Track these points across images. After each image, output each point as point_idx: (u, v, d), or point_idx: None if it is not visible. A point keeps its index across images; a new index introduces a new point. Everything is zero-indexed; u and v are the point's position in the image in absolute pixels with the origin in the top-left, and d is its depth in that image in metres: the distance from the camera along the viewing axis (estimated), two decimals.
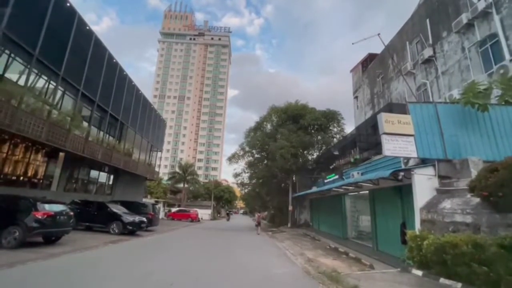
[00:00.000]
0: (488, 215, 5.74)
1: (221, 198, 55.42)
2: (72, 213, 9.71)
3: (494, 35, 11.30)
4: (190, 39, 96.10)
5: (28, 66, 11.38)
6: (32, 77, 11.78)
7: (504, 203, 5.44)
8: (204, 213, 39.89)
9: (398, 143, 7.96)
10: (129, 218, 13.54)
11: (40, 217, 8.18)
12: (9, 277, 5.37)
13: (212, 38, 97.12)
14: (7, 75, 10.86)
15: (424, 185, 7.67)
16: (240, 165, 29.81)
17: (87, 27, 15.15)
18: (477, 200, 6.19)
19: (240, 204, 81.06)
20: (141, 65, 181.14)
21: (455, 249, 5.27)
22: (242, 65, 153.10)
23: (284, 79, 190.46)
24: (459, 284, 5.19)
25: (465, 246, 5.13)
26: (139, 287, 5.25)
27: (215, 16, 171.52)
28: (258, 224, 22.40)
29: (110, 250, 9.37)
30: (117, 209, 14.00)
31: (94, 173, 19.35)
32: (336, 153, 19.80)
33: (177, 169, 49.18)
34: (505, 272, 4.48)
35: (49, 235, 9.04)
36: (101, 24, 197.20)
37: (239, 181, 31.24)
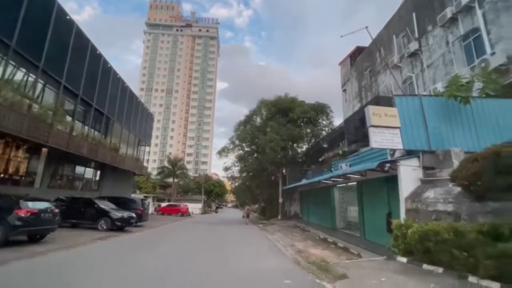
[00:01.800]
0: (468, 204, 6.01)
1: (211, 192, 55.30)
2: (57, 211, 9.43)
3: (477, 29, 11.61)
4: (177, 30, 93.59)
5: (5, 58, 10.79)
6: (9, 69, 11.20)
7: (483, 192, 5.70)
8: (194, 207, 39.80)
9: (385, 135, 8.16)
10: (117, 214, 13.32)
11: (23, 215, 7.92)
12: None
13: (200, 30, 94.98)
14: None
15: (409, 176, 7.93)
16: (230, 159, 29.80)
17: (67, 17, 14.45)
18: (458, 189, 6.46)
19: (231, 197, 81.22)
20: (127, 57, 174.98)
21: (437, 236, 5.51)
22: (231, 58, 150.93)
23: (274, 72, 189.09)
24: (441, 269, 5.45)
25: (446, 233, 5.37)
26: (128, 284, 5.21)
27: (203, 7, 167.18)
28: (247, 216, 26.02)
29: (98, 247, 9.23)
30: (105, 205, 13.73)
31: (79, 169, 18.82)
32: (325, 145, 20.10)
33: (166, 164, 48.54)
34: (483, 257, 4.72)
35: (34, 233, 8.78)
36: (83, 14, 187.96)
37: (229, 175, 31.29)
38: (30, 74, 12.35)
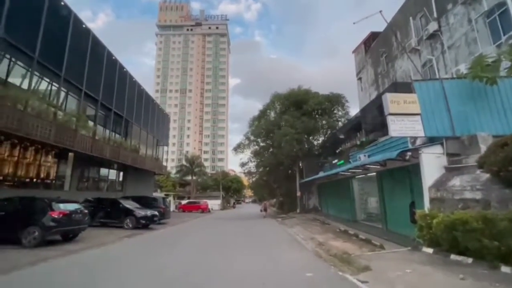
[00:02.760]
0: (498, 191, 5.70)
1: (229, 188, 56.09)
2: (86, 211, 10.03)
3: (503, 4, 10.77)
4: (188, 30, 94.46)
5: (30, 69, 11.43)
6: (34, 80, 11.87)
7: None
8: (214, 204, 40.60)
9: (405, 123, 7.86)
10: (141, 212, 13.89)
11: (56, 216, 8.48)
12: (32, 275, 5.63)
13: (209, 28, 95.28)
14: (10, 79, 10.96)
15: (432, 164, 7.61)
16: (246, 155, 29.98)
17: (84, 25, 15.02)
18: (486, 176, 6.13)
19: (248, 192, 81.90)
20: (140, 60, 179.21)
21: (466, 225, 5.27)
22: (242, 53, 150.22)
23: (286, 64, 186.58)
24: (470, 260, 5.24)
25: (475, 222, 5.13)
26: (156, 279, 5.46)
27: (212, 4, 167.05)
28: (265, 210, 26.81)
29: (126, 244, 9.70)
30: (129, 204, 14.36)
31: (104, 171, 19.74)
32: (341, 136, 19.67)
33: (184, 162, 49.73)
34: None
35: (67, 233, 9.38)
36: (97, 21, 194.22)
37: (246, 171, 31.52)
38: (53, 83, 13.02)
